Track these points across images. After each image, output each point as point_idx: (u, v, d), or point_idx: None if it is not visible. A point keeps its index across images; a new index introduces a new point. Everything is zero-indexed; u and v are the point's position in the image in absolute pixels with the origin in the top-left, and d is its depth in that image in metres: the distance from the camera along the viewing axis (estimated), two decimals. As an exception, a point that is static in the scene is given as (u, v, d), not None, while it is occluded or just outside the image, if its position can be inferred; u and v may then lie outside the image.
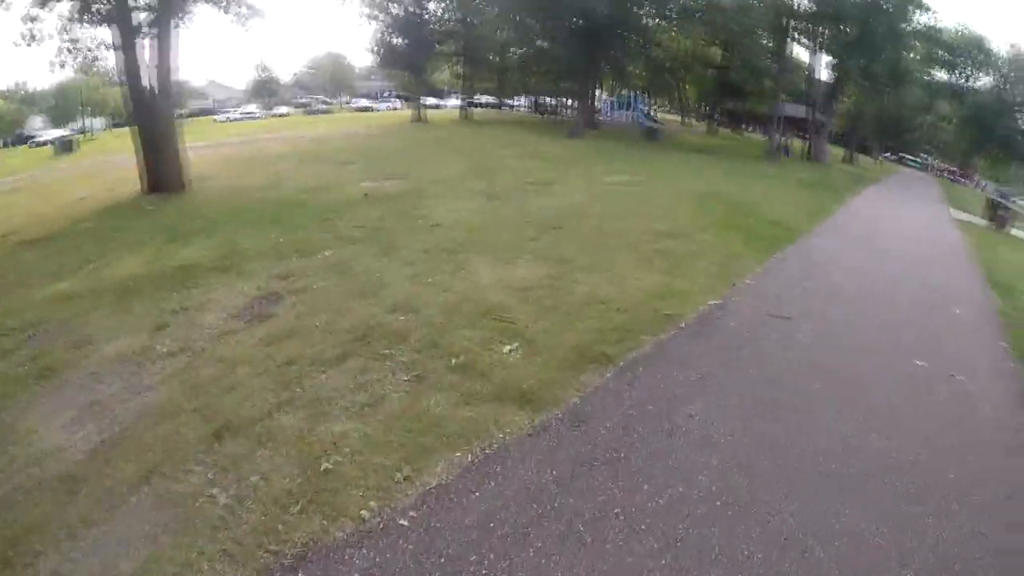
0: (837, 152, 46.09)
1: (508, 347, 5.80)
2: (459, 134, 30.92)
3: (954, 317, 8.91)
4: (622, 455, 4.30)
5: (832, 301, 8.50)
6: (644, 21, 36.08)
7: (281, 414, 4.54)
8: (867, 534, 3.71)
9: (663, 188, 15.92)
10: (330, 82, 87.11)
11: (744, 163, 27.65)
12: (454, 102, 61.72)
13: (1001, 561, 3.61)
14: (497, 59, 48.47)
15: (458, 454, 4.13)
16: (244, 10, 16.96)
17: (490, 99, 64.45)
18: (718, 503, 3.85)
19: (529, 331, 6.19)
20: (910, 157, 66.70)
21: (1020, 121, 50.70)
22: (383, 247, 9.06)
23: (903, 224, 17.39)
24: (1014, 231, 21.16)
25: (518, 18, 36.39)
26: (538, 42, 38.90)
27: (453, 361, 5.41)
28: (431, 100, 63.73)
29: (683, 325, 6.76)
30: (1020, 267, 14.67)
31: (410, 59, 40.29)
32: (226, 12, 16.73)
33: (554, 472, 4.00)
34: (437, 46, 42.72)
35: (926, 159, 66.91)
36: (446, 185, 14.48)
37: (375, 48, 41.03)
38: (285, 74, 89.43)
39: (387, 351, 5.57)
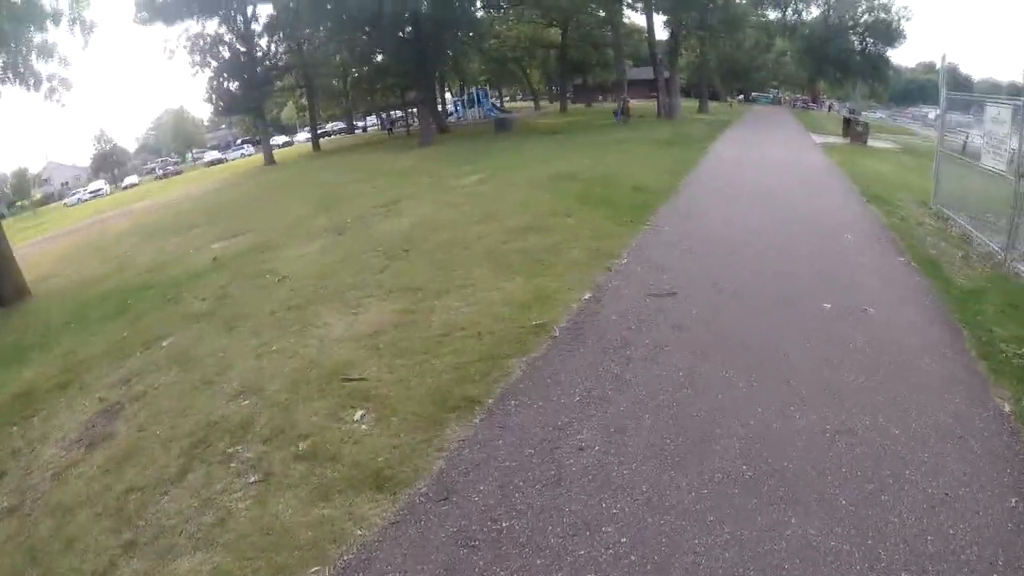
0: (690, 105, 47.41)
1: (359, 413, 4.88)
2: (307, 169, 29.52)
3: (847, 245, 8.63)
4: (504, 526, 3.43)
5: (717, 259, 7.89)
6: (475, 15, 35.66)
7: (125, 563, 3.78)
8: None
9: (517, 179, 15.13)
10: (176, 140, 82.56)
11: (598, 134, 27.55)
12: (305, 135, 59.61)
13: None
14: (338, 83, 46.96)
15: (314, 570, 3.36)
16: (55, 83, 15.11)
17: (340, 125, 62.71)
18: (634, 559, 3.11)
19: (381, 387, 5.21)
20: (760, 94, 70.58)
21: (852, 41, 54.95)
22: (229, 318, 8.09)
23: (769, 159, 17.53)
24: (871, 143, 21.95)
25: (347, 37, 35.29)
26: (374, 58, 37.91)
27: (300, 446, 4.56)
28: (282, 138, 61.81)
29: (556, 334, 5.80)
30: (887, 177, 14.96)
31: (248, 101, 38.64)
32: (36, 90, 14.83)
33: (427, 568, 3.24)
34: (276, 83, 41.28)
35: (776, 94, 71.16)
36: (293, 229, 13.41)
37: (211, 97, 39.09)
38: (131, 140, 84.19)
39: (231, 450, 4.74)
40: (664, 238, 8.96)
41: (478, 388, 4.93)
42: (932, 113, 71.28)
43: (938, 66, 11.04)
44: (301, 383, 5.56)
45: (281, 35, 38.68)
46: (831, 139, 23.96)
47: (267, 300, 8.52)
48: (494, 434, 4.31)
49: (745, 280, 7.07)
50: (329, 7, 30.94)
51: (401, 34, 31.07)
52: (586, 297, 6.70)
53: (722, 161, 17.29)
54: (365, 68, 40.14)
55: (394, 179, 18.62)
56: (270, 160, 38.66)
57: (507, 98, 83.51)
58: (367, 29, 32.51)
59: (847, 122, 24.66)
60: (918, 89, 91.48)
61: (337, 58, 39.98)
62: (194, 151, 78.94)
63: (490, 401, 4.75)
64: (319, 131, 62.95)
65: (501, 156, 21.29)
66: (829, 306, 6.22)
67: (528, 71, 66.15)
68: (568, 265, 7.84)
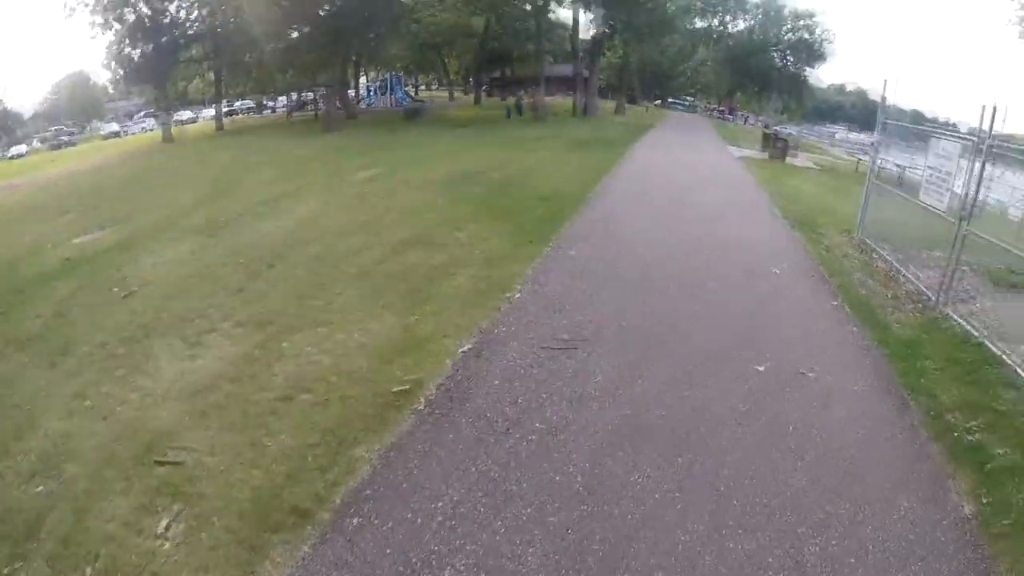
0: (608, 105, 47.10)
1: (164, 522, 3.67)
2: (205, 151, 27.04)
3: (776, 281, 7.87)
4: None
5: (630, 295, 6.88)
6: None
7: None
8: None
9: (415, 177, 13.83)
10: (76, 108, 75.66)
11: (512, 129, 26.55)
12: (212, 112, 56.01)
13: None
14: (250, 58, 43.45)
15: None
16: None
17: (249, 104, 58.99)
18: None
19: (200, 478, 4.01)
20: (677, 101, 71.69)
21: (774, 57, 56.69)
22: (57, 348, 6.84)
23: (689, 171, 16.79)
24: (789, 159, 21.74)
25: (263, 7, 32.75)
26: (289, 33, 35.23)
27: (88, 572, 3.41)
28: (187, 114, 57.78)
29: (422, 406, 4.55)
30: (810, 199, 14.50)
31: (151, 71, 35.29)
32: None
33: None
34: (184, 52, 37.98)
35: (692, 101, 72.55)
36: (166, 224, 12.10)
37: (110, 63, 35.76)
38: (29, 104, 76.93)
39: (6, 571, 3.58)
40: (568, 264, 7.86)
41: (314, 490, 3.69)
42: (839, 133, 75.26)
43: (883, 91, 10.43)
44: (108, 463, 4.36)
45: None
46: (750, 152, 23.70)
47: (104, 324, 7.28)
48: (328, 572, 3.06)
49: (663, 327, 6.06)
50: None
51: (321, 11, 28.75)
52: (466, 348, 5.49)
53: (638, 170, 16.45)
54: (277, 44, 37.15)
55: (289, 168, 17.02)
56: (168, 137, 35.64)
57: (422, 86, 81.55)
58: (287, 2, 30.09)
59: (767, 137, 24.43)
60: (828, 108, 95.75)
61: (252, 29, 36.70)
62: (95, 122, 72.58)
63: (326, 515, 3.53)
64: (226, 109, 59.29)
65: (405, 148, 19.88)
66: (762, 368, 5.28)
67: (447, 60, 64.53)
68: (450, 298, 6.65)
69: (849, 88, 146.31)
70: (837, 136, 69.60)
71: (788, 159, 21.67)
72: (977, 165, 7.30)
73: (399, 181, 13.45)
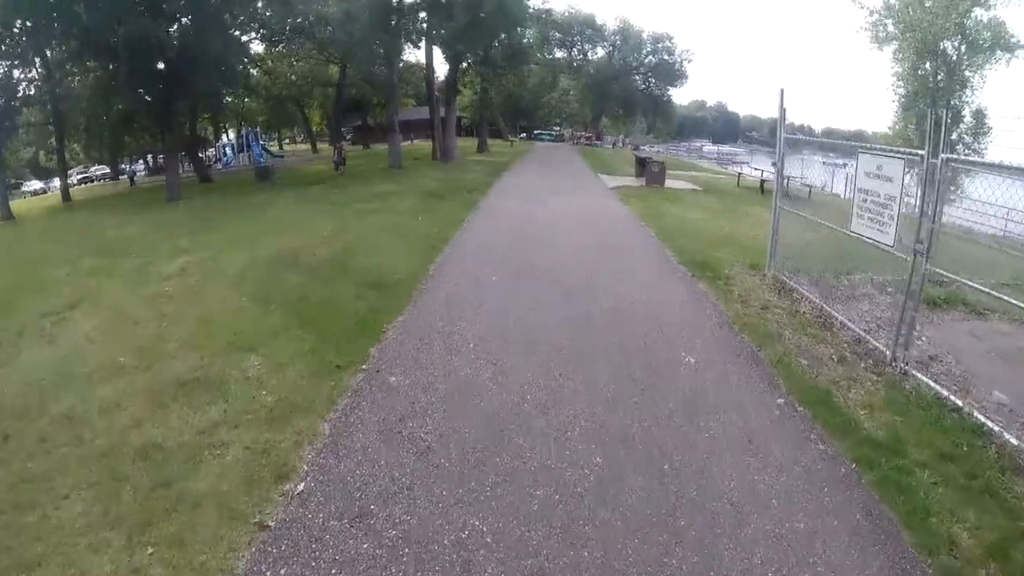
0: (470, 145, 45.10)
1: None
2: (27, 233, 22.46)
3: (691, 378, 5.68)
4: None
5: (473, 464, 4.35)
6: (233, 49, 30.34)
7: None
8: None
9: (233, 263, 10.85)
10: None
11: (362, 184, 23.58)
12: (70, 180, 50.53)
13: None
14: (95, 123, 37.92)
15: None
16: None
17: (104, 170, 53.11)
18: None
19: None
20: (543, 132, 71.39)
21: (636, 81, 57.36)
22: None
23: (555, 216, 14.36)
24: (667, 184, 20.10)
25: (92, 68, 29.17)
26: (118, 97, 30.92)
27: None
28: (36, 184, 52.40)
29: None
30: (700, 229, 12.66)
31: None
32: None
33: None
34: (20, 117, 32.53)
35: (559, 131, 72.62)
36: None
37: None
38: None
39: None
40: (385, 407, 5.17)
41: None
42: (706, 146, 77.58)
43: (780, 103, 8.52)
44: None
45: (20, 62, 30.14)
46: (624, 181, 21.95)
47: None
48: None
49: (535, 530, 3.55)
50: (58, 26, 24.66)
51: (144, 68, 24.85)
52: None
53: (496, 220, 13.94)
54: (111, 108, 32.64)
55: (100, 258, 13.56)
56: (6, 215, 30.02)
57: (287, 140, 77.65)
58: (111, 63, 26.10)
59: (640, 162, 22.75)
60: (692, 124, 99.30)
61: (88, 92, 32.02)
62: None
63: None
64: (81, 176, 53.23)
65: (239, 221, 16.75)
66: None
67: (308, 111, 61.24)
68: (205, 503, 3.99)
69: (709, 103, 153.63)
70: (704, 149, 71.50)
71: (666, 182, 20.04)
72: (932, 187, 5.45)
73: (212, 271, 10.48)
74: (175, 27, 24.34)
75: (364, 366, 5.92)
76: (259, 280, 9.29)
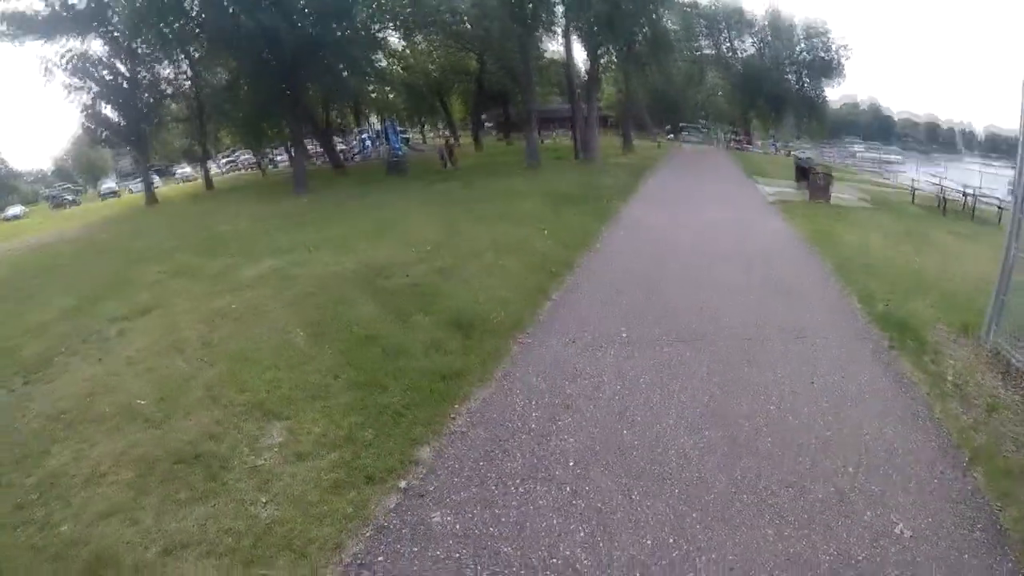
0: (613, 142, 42.43)
1: None
2: (150, 225, 22.87)
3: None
4: None
5: None
6: (365, 34, 29.95)
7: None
8: None
9: (316, 272, 9.39)
10: (84, 166, 72.84)
11: (493, 180, 21.85)
12: (213, 168, 53.97)
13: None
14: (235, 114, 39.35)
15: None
16: None
17: (250, 157, 55.60)
18: None
19: None
20: (689, 133, 67.44)
21: (790, 79, 52.27)
22: None
23: (708, 238, 11.53)
24: (833, 196, 16.94)
25: (221, 60, 30.00)
26: (241, 87, 31.65)
27: None
28: (187, 170, 56.06)
29: None
30: (884, 261, 9.84)
31: (129, 131, 31.96)
32: None
33: None
34: (165, 111, 34.96)
35: (706, 130, 68.23)
36: None
37: (87, 125, 32.57)
38: (36, 161, 75.46)
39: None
40: None
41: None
42: (859, 149, 70.53)
43: (1021, 103, 5.77)
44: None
45: (166, 58, 32.01)
46: (782, 189, 18.91)
47: None
48: None
49: None
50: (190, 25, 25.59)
51: (262, 59, 24.75)
52: None
53: (633, 241, 11.46)
54: (242, 100, 33.43)
55: (197, 255, 12.78)
56: (151, 200, 32.01)
57: (430, 131, 78.02)
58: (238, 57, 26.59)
59: (802, 170, 19.54)
60: (841, 124, 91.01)
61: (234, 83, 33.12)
62: (102, 180, 69.12)
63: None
64: (227, 160, 56.34)
65: (348, 218, 15.58)
66: None
67: (449, 102, 60.69)
68: None
69: (860, 100, 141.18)
70: (858, 155, 64.69)
71: (834, 194, 16.90)
72: None
73: (287, 282, 9.09)
74: (294, 19, 23.84)
75: (403, 483, 4.03)
76: (329, 302, 7.71)
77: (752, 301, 7.61)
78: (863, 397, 5.25)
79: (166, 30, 25.99)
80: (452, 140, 34.59)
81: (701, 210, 14.44)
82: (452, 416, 4.94)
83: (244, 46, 23.48)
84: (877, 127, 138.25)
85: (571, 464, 4.27)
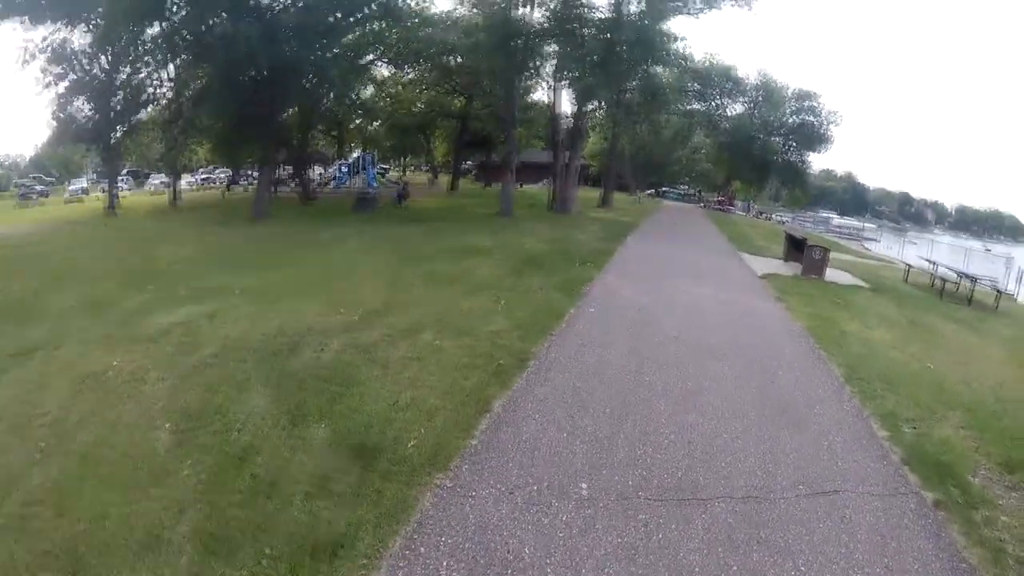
0: (592, 196, 41.46)
1: None
2: (113, 235, 21.13)
3: None
4: None
5: None
6: (348, 60, 28.67)
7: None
8: None
9: (215, 337, 7.62)
10: (60, 161, 70.44)
11: (459, 230, 20.25)
12: (196, 178, 54.49)
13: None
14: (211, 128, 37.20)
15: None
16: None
17: (226, 172, 54.03)
18: None
19: None
20: (671, 191, 67.05)
21: (777, 142, 51.87)
22: None
23: (693, 327, 9.49)
24: (828, 272, 15.46)
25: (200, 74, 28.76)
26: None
27: None
28: (160, 179, 53.86)
29: None
30: (901, 368, 8.26)
31: (97, 132, 30.26)
32: None
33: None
34: (143, 112, 33.03)
35: (687, 189, 68.08)
36: None
37: (54, 118, 30.44)
38: (19, 146, 73.85)
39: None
40: None
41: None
42: (835, 219, 71.24)
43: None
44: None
45: (138, 61, 30.22)
46: (772, 264, 17.34)
47: None
48: None
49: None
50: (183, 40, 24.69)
51: (237, 67, 23.20)
52: None
53: (606, 325, 9.17)
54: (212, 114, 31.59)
55: (118, 286, 11.32)
56: (111, 209, 30.15)
57: (412, 168, 77.34)
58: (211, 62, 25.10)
59: (794, 242, 17.97)
60: (817, 193, 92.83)
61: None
62: (77, 176, 67.34)
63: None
64: (204, 177, 55.05)
65: (293, 261, 13.94)
66: None
67: (433, 141, 59.90)
68: None
69: (837, 172, 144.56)
70: (833, 223, 65.16)
71: (828, 270, 15.45)
72: None
73: (185, 345, 7.39)
74: (272, 31, 22.51)
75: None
76: (222, 383, 6.06)
77: (754, 429, 5.77)
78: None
79: (140, 31, 25.37)
80: (405, 182, 33.48)
81: (685, 285, 12.65)
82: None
83: (219, 55, 22.14)
84: (851, 197, 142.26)
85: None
